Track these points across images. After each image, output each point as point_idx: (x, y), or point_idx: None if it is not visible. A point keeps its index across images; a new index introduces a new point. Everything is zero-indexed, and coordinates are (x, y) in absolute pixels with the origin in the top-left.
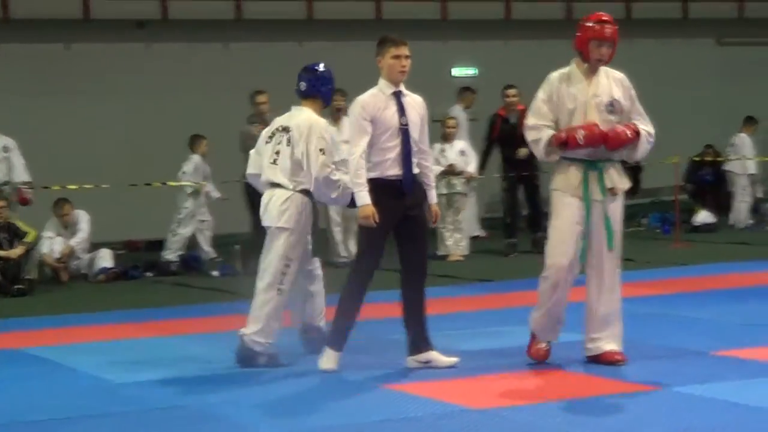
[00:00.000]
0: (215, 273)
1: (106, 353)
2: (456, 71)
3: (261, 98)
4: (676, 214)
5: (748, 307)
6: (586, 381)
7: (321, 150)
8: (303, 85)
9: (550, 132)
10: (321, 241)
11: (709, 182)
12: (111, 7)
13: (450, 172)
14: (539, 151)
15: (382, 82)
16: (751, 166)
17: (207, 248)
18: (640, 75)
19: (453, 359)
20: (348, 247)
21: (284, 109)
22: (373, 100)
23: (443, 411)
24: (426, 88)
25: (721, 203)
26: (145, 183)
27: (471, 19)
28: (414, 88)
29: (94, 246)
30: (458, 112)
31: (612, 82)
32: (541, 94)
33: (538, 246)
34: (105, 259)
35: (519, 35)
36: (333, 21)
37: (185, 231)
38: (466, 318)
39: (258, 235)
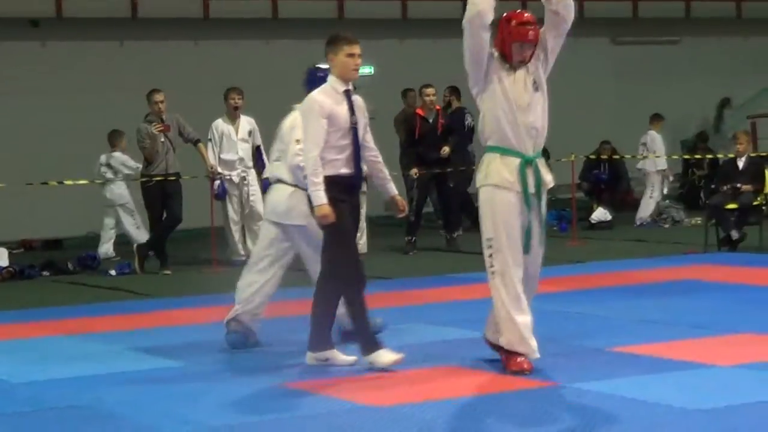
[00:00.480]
0: (112, 272)
1: (1, 353)
2: None
3: (158, 97)
4: (573, 211)
5: (642, 304)
6: (486, 378)
7: (297, 140)
8: (303, 81)
9: None
10: (220, 240)
11: (604, 180)
12: (5, 5)
13: None
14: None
15: (334, 80)
16: (661, 162)
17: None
18: None
19: (351, 358)
20: (246, 246)
21: (182, 107)
22: (328, 98)
23: (342, 408)
24: None
25: (619, 200)
26: (41, 182)
27: (367, 18)
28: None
29: None
30: None
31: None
32: None
33: (453, 245)
34: (0, 258)
35: (415, 34)
36: (229, 20)
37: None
38: None
39: (156, 233)
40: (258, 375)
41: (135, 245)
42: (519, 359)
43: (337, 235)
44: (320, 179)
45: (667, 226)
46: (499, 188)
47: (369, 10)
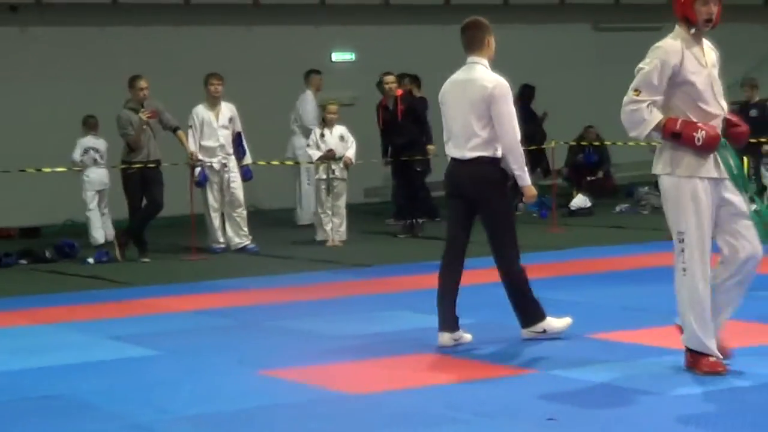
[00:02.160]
0: (90, 260)
1: None
2: (336, 56)
3: (142, 83)
4: (553, 198)
5: (622, 291)
6: (465, 365)
7: None
8: None
9: (659, 116)
10: (199, 227)
11: (594, 161)
12: None
13: (329, 157)
14: (639, 130)
15: (488, 63)
16: None
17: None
18: (518, 61)
19: (566, 320)
20: (226, 234)
21: (162, 93)
22: None
23: (320, 397)
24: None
25: (598, 186)
26: (18, 169)
27: (349, 4)
28: (292, 73)
29: None
30: (308, 96)
31: (711, 51)
32: (649, 64)
33: (416, 231)
34: None
35: (397, 20)
36: (210, 5)
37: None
38: (344, 303)
39: (136, 220)
40: (236, 363)
41: (115, 233)
42: (710, 359)
43: (512, 216)
44: None
45: (646, 212)
46: (689, 176)
47: None
